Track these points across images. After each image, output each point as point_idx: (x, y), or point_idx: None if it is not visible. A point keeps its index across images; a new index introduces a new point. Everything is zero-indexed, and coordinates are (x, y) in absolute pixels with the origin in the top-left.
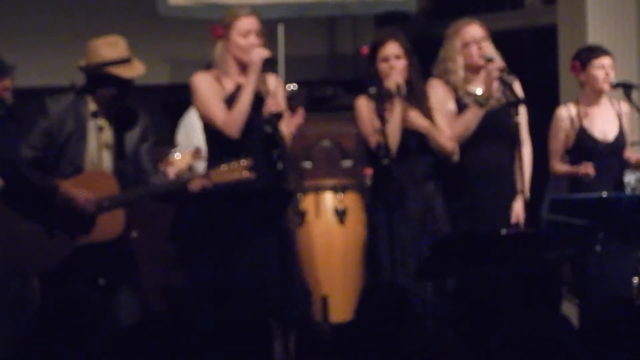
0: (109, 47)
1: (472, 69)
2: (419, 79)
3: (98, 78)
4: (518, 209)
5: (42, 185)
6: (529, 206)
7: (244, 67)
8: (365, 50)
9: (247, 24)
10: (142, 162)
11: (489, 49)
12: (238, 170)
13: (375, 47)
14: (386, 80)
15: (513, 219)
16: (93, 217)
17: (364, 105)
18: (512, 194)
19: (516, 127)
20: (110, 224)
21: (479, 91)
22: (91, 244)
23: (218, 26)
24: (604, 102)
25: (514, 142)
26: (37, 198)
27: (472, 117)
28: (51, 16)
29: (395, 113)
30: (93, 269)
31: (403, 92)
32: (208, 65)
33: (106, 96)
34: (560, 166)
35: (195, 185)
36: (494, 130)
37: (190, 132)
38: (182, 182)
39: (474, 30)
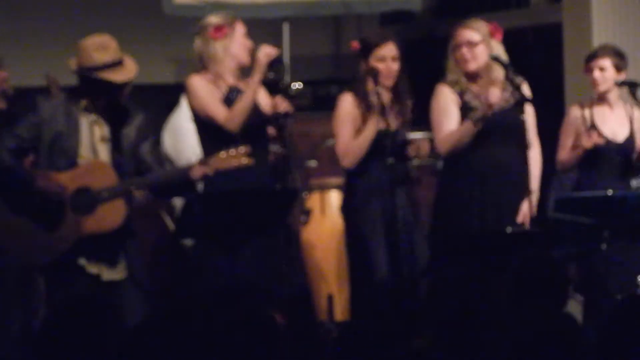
0: (100, 51)
1: (469, 75)
2: (405, 85)
3: (90, 83)
4: (526, 209)
5: (20, 174)
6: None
7: (241, 70)
8: (356, 44)
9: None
10: (145, 160)
11: (480, 51)
12: (237, 156)
13: (372, 45)
14: (369, 95)
15: (519, 219)
16: (62, 210)
17: (348, 103)
18: (521, 193)
19: (523, 126)
20: (110, 215)
21: (477, 104)
22: (91, 235)
23: (223, 26)
24: (617, 103)
25: (523, 142)
26: (18, 187)
27: (465, 131)
28: (53, 16)
29: (372, 126)
30: (95, 263)
31: (385, 113)
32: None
33: (99, 101)
34: (564, 154)
35: (196, 173)
36: (503, 130)
37: (176, 134)
38: (183, 171)
39: (463, 33)
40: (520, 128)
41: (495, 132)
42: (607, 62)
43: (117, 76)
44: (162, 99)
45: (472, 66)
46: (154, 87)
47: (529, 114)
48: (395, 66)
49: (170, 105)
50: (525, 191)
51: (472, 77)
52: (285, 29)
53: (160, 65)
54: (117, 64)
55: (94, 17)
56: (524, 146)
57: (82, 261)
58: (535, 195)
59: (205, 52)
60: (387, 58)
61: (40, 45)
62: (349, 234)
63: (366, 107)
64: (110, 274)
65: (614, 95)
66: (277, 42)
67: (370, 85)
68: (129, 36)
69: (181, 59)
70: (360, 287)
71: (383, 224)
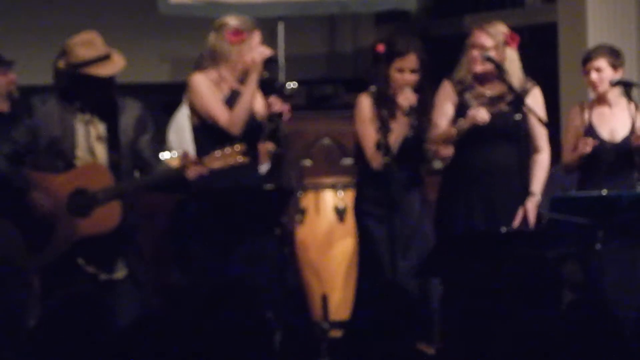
0: (85, 47)
1: (477, 76)
2: (428, 92)
3: (77, 79)
4: (526, 210)
5: (16, 183)
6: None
7: (245, 76)
8: (382, 48)
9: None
10: (143, 154)
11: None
12: (232, 155)
13: (394, 55)
14: (399, 94)
15: (516, 222)
16: (51, 224)
17: (366, 104)
18: (519, 194)
19: (518, 126)
20: (107, 216)
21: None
22: (88, 237)
23: (243, 31)
24: (618, 102)
25: (520, 143)
26: (12, 196)
27: (448, 137)
28: (51, 15)
29: (401, 130)
30: (94, 264)
31: (412, 113)
32: (198, 62)
33: (89, 97)
34: (567, 156)
35: (191, 173)
36: (502, 130)
37: (181, 131)
38: (178, 171)
39: (478, 36)
40: (516, 129)
41: (491, 132)
42: (602, 63)
43: (102, 70)
44: (157, 99)
45: (479, 69)
46: (149, 86)
47: (540, 118)
48: (412, 78)
49: (166, 105)
50: (522, 193)
51: (480, 79)
52: (280, 28)
53: (155, 64)
54: (103, 58)
55: (92, 17)
56: (521, 147)
57: (80, 261)
58: (536, 198)
59: (219, 50)
60: (405, 70)
61: (37, 46)
62: (359, 237)
63: (386, 108)
64: (108, 274)
65: (613, 94)
66: (272, 42)
67: (392, 88)
68: (125, 36)
69: (176, 58)
70: (365, 288)
71: (391, 227)
